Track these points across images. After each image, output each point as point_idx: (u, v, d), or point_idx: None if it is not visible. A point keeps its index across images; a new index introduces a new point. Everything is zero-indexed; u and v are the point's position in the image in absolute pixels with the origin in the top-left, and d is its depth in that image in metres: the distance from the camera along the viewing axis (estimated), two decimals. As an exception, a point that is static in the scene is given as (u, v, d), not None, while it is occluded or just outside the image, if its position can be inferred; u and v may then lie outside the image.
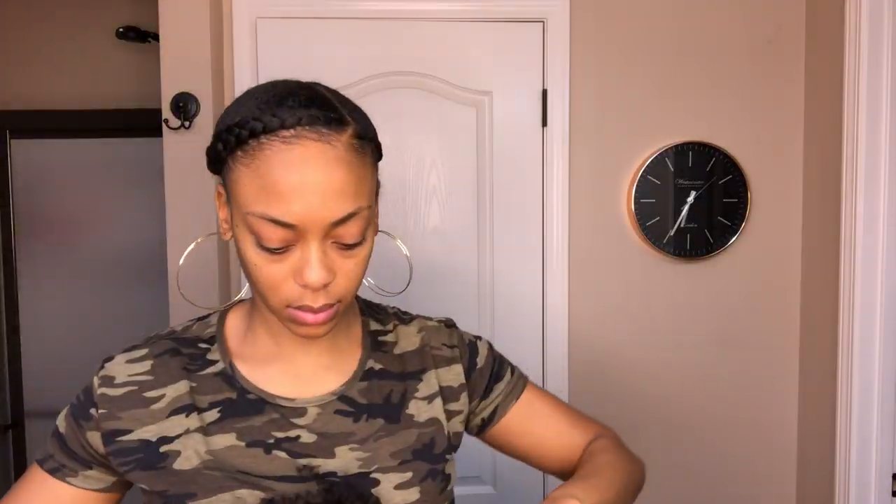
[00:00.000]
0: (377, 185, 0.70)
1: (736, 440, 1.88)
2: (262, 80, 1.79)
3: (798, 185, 1.86)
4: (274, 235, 0.60)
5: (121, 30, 2.14)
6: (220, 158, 0.64)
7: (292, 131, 0.59)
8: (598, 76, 1.82)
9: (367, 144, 0.65)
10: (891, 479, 1.62)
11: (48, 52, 2.26)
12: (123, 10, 2.20)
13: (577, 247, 1.83)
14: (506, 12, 1.78)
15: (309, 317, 0.64)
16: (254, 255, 0.63)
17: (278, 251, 0.62)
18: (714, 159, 1.82)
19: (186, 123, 1.72)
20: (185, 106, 1.71)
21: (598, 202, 1.83)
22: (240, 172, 0.62)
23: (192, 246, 0.84)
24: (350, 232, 0.62)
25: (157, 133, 1.74)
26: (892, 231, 1.58)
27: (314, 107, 0.61)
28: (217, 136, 0.64)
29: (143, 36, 2.14)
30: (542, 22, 1.79)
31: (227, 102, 1.79)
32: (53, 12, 2.25)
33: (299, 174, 0.59)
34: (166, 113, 1.72)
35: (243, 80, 1.77)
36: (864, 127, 1.57)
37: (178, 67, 1.72)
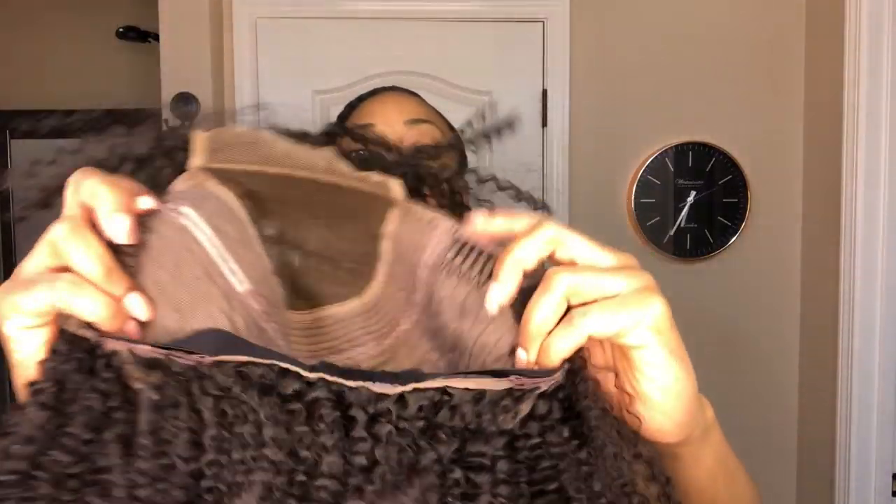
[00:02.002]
0: (461, 169, 0.81)
1: (735, 440, 1.87)
2: (262, 80, 1.80)
3: (798, 185, 1.86)
4: None
5: (121, 30, 2.14)
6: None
7: (381, 92, 0.81)
8: (598, 76, 1.82)
9: (447, 122, 0.81)
10: (891, 478, 1.62)
11: (48, 52, 2.26)
12: (123, 10, 2.20)
13: (577, 247, 1.83)
14: (506, 12, 1.78)
15: None
16: None
17: None
18: (714, 159, 1.82)
19: (186, 124, 1.71)
20: (185, 106, 1.71)
21: (597, 202, 1.83)
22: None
23: None
24: (424, 135, 0.74)
25: (157, 133, 1.74)
26: (892, 230, 1.58)
27: (399, 87, 0.84)
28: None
29: (143, 36, 2.14)
30: (542, 22, 1.79)
31: (227, 102, 1.79)
32: (54, 13, 2.25)
33: (381, 100, 0.78)
34: (166, 113, 1.72)
35: (243, 80, 1.77)
36: (864, 127, 1.57)
37: (178, 67, 1.72)
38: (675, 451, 0.38)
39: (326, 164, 0.35)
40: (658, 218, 1.82)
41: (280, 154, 0.35)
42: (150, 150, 0.36)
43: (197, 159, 0.35)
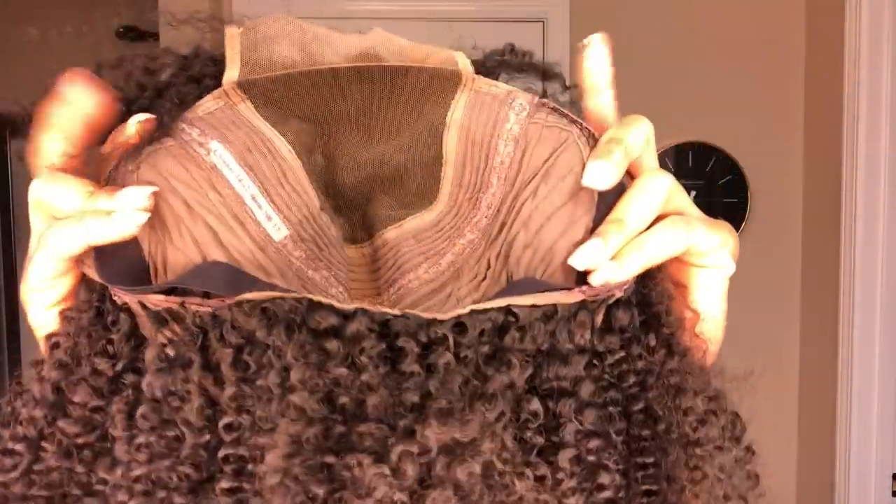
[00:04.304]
0: None
1: (736, 440, 1.88)
2: (262, 80, 1.79)
3: (798, 185, 1.86)
4: None
5: (121, 30, 2.14)
6: None
7: None
8: (598, 76, 1.82)
9: None
10: (891, 479, 1.62)
11: (48, 52, 2.26)
12: (123, 10, 2.20)
13: (577, 247, 1.83)
14: (506, 12, 1.78)
15: None
16: None
17: None
18: (714, 159, 1.82)
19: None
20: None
21: (598, 202, 1.83)
22: None
23: None
24: None
25: (157, 133, 1.74)
26: (892, 231, 1.58)
27: None
28: None
29: (143, 36, 2.13)
30: (542, 22, 1.79)
31: (227, 102, 1.79)
32: (53, 12, 2.25)
33: None
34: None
35: (243, 81, 1.77)
36: (864, 127, 1.57)
37: (178, 67, 1.72)
38: None
39: (377, 45, 0.31)
40: (658, 218, 1.82)
41: (323, 39, 0.31)
42: (172, 77, 0.31)
43: (232, 70, 0.30)
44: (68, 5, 2.25)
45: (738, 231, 1.85)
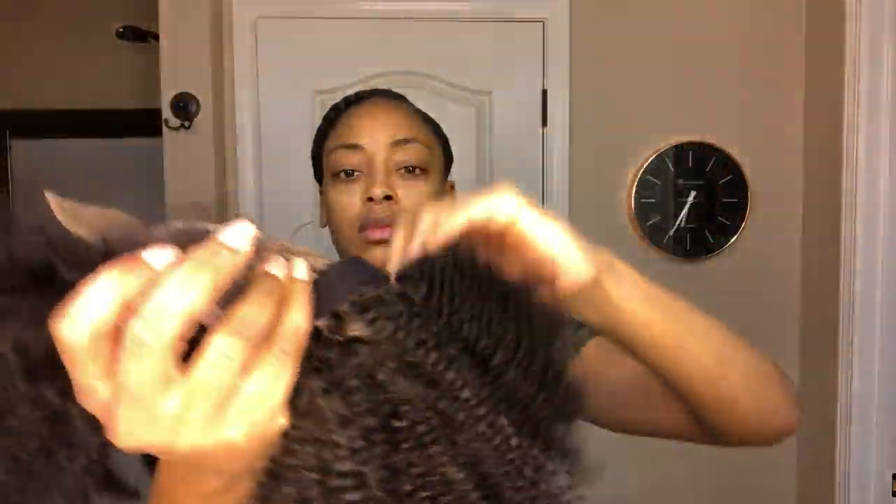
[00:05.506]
0: (446, 165, 0.84)
1: (736, 440, 1.88)
2: (262, 80, 1.80)
3: (798, 185, 1.86)
4: (346, 159, 0.76)
5: (121, 30, 2.14)
6: (319, 148, 0.82)
7: (367, 99, 0.81)
8: (598, 76, 1.82)
9: (428, 120, 0.82)
10: (891, 479, 1.62)
11: (48, 52, 2.26)
12: (123, 10, 2.20)
13: (577, 247, 1.83)
14: (506, 12, 1.78)
15: (377, 232, 0.72)
16: (331, 189, 0.77)
17: (350, 175, 0.76)
18: (714, 159, 1.82)
19: (186, 124, 1.71)
20: (185, 106, 1.71)
21: (598, 202, 1.83)
22: (329, 140, 0.80)
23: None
24: (410, 155, 0.76)
25: (157, 133, 1.74)
26: (892, 230, 1.58)
27: (384, 90, 0.86)
28: (317, 131, 0.84)
29: (143, 36, 2.14)
30: (542, 22, 1.79)
31: (228, 102, 1.79)
32: (53, 12, 2.25)
33: (368, 114, 0.78)
34: (166, 113, 1.72)
35: (243, 80, 1.77)
36: (865, 127, 1.57)
37: (178, 67, 1.72)
38: (601, 294, 0.45)
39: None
40: (658, 218, 1.82)
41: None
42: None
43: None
44: (68, 5, 2.25)
45: (737, 231, 1.87)
